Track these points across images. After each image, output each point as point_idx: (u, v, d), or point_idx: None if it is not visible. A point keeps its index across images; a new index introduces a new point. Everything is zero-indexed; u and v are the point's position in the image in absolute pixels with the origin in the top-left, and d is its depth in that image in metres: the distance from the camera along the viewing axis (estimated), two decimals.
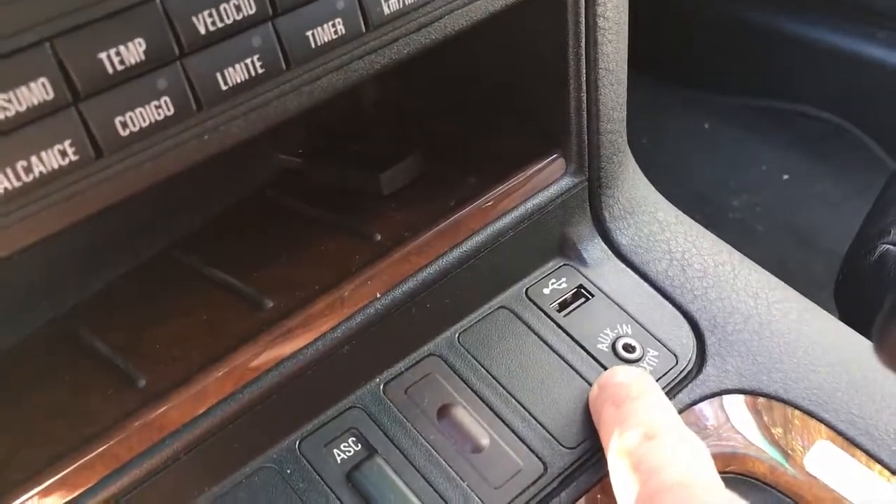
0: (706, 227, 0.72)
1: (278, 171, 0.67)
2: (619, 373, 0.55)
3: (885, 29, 1.74)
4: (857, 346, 0.62)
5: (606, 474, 0.54)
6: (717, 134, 1.97)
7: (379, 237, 0.58)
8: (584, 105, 0.60)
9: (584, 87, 0.59)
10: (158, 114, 0.37)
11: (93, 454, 0.45)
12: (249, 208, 0.64)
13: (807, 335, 0.62)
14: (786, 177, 1.86)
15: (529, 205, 0.60)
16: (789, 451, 0.56)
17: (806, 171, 1.84)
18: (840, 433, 0.56)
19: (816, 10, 1.81)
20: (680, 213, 0.72)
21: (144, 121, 0.37)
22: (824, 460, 0.55)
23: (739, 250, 0.70)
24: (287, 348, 0.51)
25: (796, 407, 0.58)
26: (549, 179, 0.62)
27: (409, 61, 0.48)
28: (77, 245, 0.57)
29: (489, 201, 0.59)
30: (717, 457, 0.56)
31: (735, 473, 0.55)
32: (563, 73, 0.58)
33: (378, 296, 0.54)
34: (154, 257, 0.61)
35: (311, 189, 0.65)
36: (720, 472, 0.55)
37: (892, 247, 0.90)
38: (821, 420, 0.57)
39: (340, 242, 0.58)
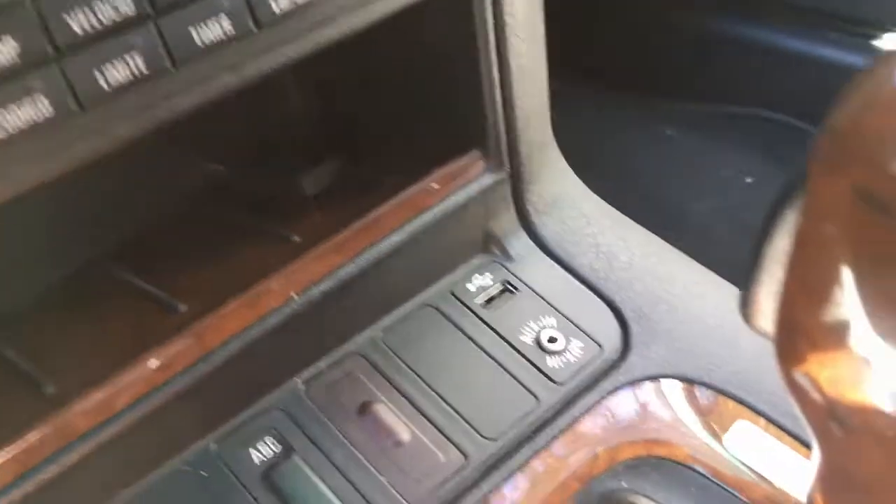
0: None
1: (203, 180, 0.67)
2: None
3: (835, 30, 1.76)
4: None
5: (527, 463, 0.54)
6: (679, 141, 1.99)
7: (298, 238, 0.58)
8: (499, 102, 0.61)
9: (497, 84, 0.60)
10: (36, 114, 0.38)
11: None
12: (171, 218, 0.65)
13: (731, 321, 0.63)
14: (749, 180, 1.87)
15: (449, 201, 0.61)
16: (711, 434, 0.56)
17: (767, 174, 1.85)
18: (761, 414, 0.57)
19: (769, 14, 1.83)
20: (610, 208, 0.72)
21: (21, 121, 0.37)
22: (745, 440, 0.56)
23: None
24: (200, 350, 0.51)
25: (718, 391, 0.58)
26: (468, 176, 0.62)
27: (325, 62, 0.49)
28: None
29: (408, 198, 0.60)
30: (640, 442, 0.56)
31: (658, 457, 0.56)
32: (476, 71, 0.59)
33: (294, 296, 0.54)
34: (76, 269, 0.61)
35: (235, 196, 0.65)
36: (643, 457, 0.56)
37: None
38: (742, 402, 0.58)
39: (259, 246, 0.59)
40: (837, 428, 0.34)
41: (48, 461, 0.46)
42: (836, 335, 0.31)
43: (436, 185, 0.61)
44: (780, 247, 0.32)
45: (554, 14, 0.65)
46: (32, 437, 0.46)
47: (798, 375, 0.34)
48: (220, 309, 0.52)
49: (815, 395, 0.33)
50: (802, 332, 0.33)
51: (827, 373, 0.32)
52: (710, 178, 1.86)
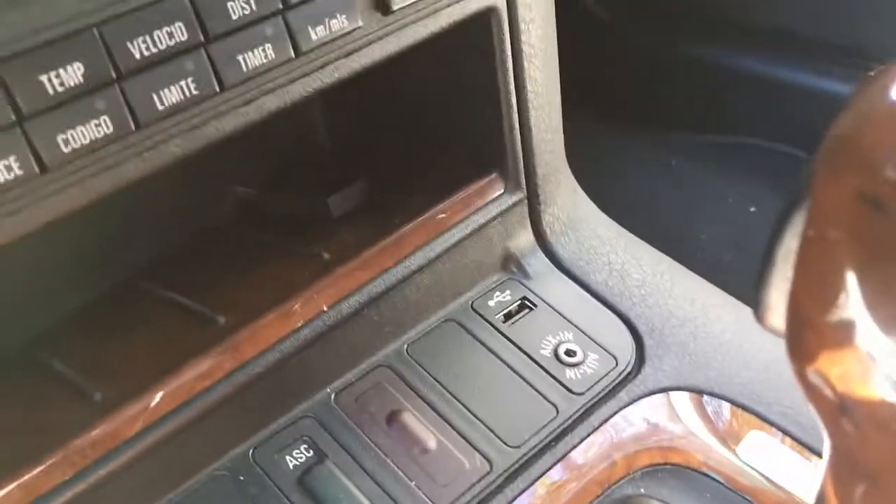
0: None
1: (235, 204, 0.70)
2: None
3: (841, 65, 1.80)
4: None
5: (549, 469, 0.57)
6: (683, 171, 2.02)
7: (327, 256, 0.61)
8: (517, 127, 0.64)
9: (515, 110, 0.63)
10: (98, 132, 0.41)
11: (48, 463, 0.47)
12: (207, 239, 0.67)
13: (741, 336, 0.65)
14: (753, 208, 1.90)
15: (469, 221, 0.64)
16: (724, 443, 0.59)
17: (770, 203, 1.88)
18: (773, 424, 0.59)
19: (772, 47, 1.87)
20: (622, 229, 0.75)
21: (85, 138, 0.40)
22: (757, 448, 0.58)
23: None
24: (236, 360, 0.54)
25: (730, 401, 0.61)
26: (487, 197, 0.65)
27: (351, 89, 0.52)
28: (40, 276, 0.60)
29: (430, 218, 0.63)
30: (656, 450, 0.58)
31: (675, 464, 0.58)
32: (495, 97, 0.63)
33: (325, 309, 0.57)
34: (115, 285, 0.63)
35: (266, 217, 0.68)
36: (660, 464, 0.58)
37: None
38: (755, 413, 0.60)
39: (291, 263, 0.61)
40: (847, 422, 0.36)
41: (96, 464, 0.48)
42: (844, 333, 0.34)
43: (456, 206, 0.64)
44: (790, 247, 0.35)
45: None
46: (83, 440, 0.49)
47: (810, 373, 0.36)
48: (255, 321, 0.55)
49: (827, 392, 0.36)
50: (812, 330, 0.35)
51: (837, 370, 0.35)
52: (714, 207, 1.89)
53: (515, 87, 0.62)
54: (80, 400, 0.52)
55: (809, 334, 0.35)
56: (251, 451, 0.55)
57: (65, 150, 0.40)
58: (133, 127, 0.42)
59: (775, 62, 1.86)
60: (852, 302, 0.32)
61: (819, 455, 0.59)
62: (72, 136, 0.40)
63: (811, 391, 0.37)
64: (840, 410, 0.36)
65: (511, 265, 0.68)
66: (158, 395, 0.51)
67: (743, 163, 1.96)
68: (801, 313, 0.36)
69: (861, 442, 0.37)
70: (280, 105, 0.49)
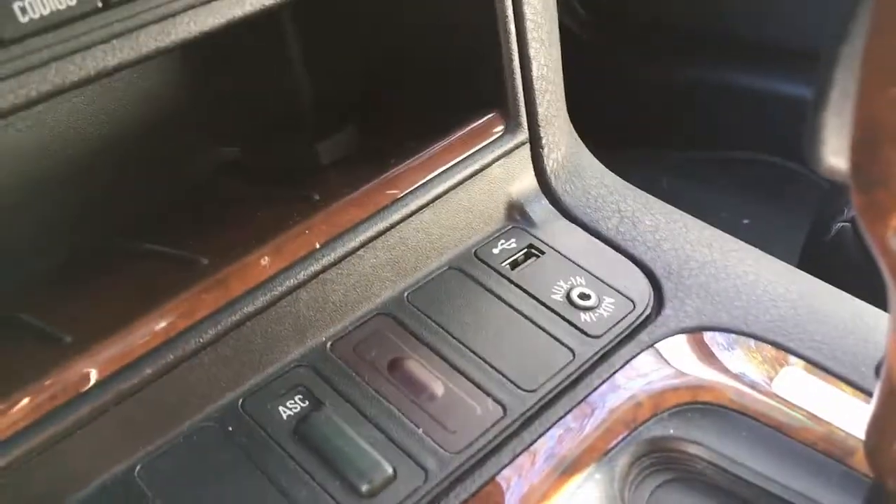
0: None
1: (220, 165, 0.66)
2: None
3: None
4: (816, 284, 0.61)
5: (568, 412, 0.51)
6: (675, 189, 1.99)
7: (317, 197, 0.56)
8: (517, 59, 0.60)
9: (514, 41, 0.59)
10: (61, 4, 0.36)
11: (12, 405, 0.42)
12: (190, 198, 0.63)
13: (765, 276, 0.61)
14: (746, 221, 1.87)
15: (469, 161, 0.60)
16: (757, 380, 0.54)
17: (763, 214, 1.85)
18: (806, 359, 0.54)
19: (759, 60, 1.86)
20: (627, 183, 0.71)
21: (46, 10, 0.36)
22: (792, 384, 0.53)
23: None
24: (221, 299, 0.49)
25: (759, 339, 0.56)
26: (487, 137, 0.61)
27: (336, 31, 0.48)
28: (12, 237, 0.55)
29: (428, 158, 0.58)
30: (684, 389, 0.53)
31: (705, 403, 0.53)
32: (492, 28, 0.59)
33: (317, 246, 0.52)
34: (93, 244, 0.58)
35: (253, 172, 0.64)
36: (689, 404, 0.53)
37: (848, 224, 0.90)
38: (785, 349, 0.55)
39: (279, 208, 0.57)
40: None
41: (66, 408, 0.43)
42: None
43: (455, 146, 0.60)
44: (851, 63, 0.31)
45: None
46: (50, 382, 0.43)
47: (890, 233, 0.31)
48: (243, 258, 0.50)
49: None
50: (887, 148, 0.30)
51: None
52: (708, 223, 1.86)
53: (514, 15, 0.59)
54: (49, 344, 0.46)
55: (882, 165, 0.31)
56: (240, 400, 0.49)
57: (22, 20, 0.35)
58: (100, 4, 0.38)
59: (760, 74, 1.85)
60: None
61: (854, 386, 0.54)
62: (30, 4, 0.35)
63: (888, 252, 0.32)
64: None
65: (515, 213, 0.64)
66: (134, 336, 0.46)
67: (730, 177, 1.94)
68: (876, 134, 0.31)
69: None
70: (260, 6, 0.45)
